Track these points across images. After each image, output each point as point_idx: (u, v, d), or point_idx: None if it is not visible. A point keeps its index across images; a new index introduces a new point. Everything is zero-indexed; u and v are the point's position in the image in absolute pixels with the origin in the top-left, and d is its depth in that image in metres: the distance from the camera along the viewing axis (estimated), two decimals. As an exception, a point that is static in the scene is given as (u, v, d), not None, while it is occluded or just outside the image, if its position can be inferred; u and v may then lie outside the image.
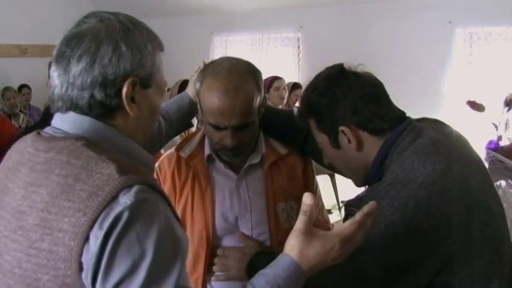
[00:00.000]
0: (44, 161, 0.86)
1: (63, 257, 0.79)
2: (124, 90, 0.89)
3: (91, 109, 0.89)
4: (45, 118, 2.22)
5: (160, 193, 0.86)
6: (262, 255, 1.36)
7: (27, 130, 2.70)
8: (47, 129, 0.93)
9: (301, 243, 0.92)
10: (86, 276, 0.78)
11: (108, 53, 0.87)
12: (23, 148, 0.93)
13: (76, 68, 0.87)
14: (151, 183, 0.84)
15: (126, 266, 0.77)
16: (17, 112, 5.85)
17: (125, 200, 0.79)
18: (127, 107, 0.90)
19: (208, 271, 1.49)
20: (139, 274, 0.78)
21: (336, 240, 0.91)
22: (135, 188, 0.80)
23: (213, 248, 1.48)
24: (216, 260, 1.48)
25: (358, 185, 1.30)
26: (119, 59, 0.88)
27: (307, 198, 0.93)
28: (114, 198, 0.78)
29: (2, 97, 5.86)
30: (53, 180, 0.83)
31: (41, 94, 6.21)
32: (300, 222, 0.94)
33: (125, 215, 0.78)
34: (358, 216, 0.92)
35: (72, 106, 0.89)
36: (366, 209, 0.92)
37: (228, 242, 1.50)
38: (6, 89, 5.92)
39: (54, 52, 0.91)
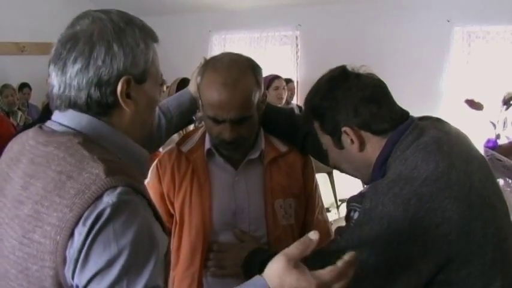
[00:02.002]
0: (43, 155, 0.90)
1: (49, 249, 0.83)
2: (118, 88, 0.92)
3: (89, 108, 0.93)
4: (44, 116, 2.23)
5: (144, 196, 0.89)
6: (258, 252, 1.37)
7: (26, 128, 2.70)
8: (48, 124, 0.97)
9: (282, 269, 0.87)
10: (68, 269, 0.82)
11: (101, 55, 0.91)
12: (25, 140, 0.96)
13: (72, 70, 0.91)
14: (135, 186, 0.87)
15: (102, 261, 0.81)
16: (15, 110, 5.84)
17: (108, 199, 0.82)
18: (123, 104, 0.94)
19: (205, 266, 1.49)
20: (113, 270, 0.81)
21: (313, 282, 0.87)
22: (118, 190, 0.83)
23: (210, 242, 1.49)
24: (211, 256, 1.49)
25: (367, 183, 1.31)
26: (111, 59, 0.91)
27: (313, 235, 0.89)
28: (99, 197, 0.82)
29: (0, 94, 5.85)
30: (48, 175, 0.86)
31: (39, 92, 6.21)
32: (294, 248, 0.89)
33: (106, 213, 0.81)
34: (339, 263, 0.88)
35: (71, 105, 0.93)
36: (346, 257, 0.89)
37: (225, 237, 1.50)
38: (5, 86, 5.90)
39: (52, 52, 0.94)
